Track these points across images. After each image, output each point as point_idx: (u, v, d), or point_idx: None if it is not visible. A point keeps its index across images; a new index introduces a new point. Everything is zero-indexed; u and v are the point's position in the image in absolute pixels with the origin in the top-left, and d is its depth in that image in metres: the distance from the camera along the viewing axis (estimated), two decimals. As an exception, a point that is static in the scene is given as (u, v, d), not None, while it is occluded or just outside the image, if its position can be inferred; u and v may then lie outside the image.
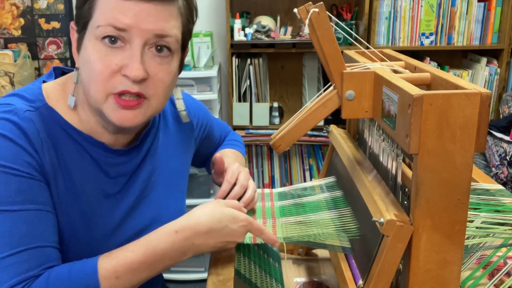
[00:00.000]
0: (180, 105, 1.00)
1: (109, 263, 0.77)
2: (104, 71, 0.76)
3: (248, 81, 2.51)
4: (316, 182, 1.03)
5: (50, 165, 0.80)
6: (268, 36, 2.48)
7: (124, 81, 0.77)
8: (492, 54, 2.55)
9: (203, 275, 2.52)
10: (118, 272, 0.76)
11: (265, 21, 2.50)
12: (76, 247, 0.84)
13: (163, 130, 0.99)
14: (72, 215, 0.84)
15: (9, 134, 0.77)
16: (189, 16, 0.85)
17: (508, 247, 0.75)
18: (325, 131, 1.11)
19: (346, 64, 0.77)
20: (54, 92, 0.87)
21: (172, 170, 1.00)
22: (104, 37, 0.76)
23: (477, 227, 0.74)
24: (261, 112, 2.54)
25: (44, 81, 0.89)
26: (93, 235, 0.86)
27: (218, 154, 1.05)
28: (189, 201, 1.10)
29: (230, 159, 1.11)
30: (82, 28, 0.80)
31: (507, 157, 2.11)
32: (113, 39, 0.76)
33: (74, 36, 0.83)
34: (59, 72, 0.94)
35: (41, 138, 0.80)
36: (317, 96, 0.81)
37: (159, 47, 0.79)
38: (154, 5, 0.76)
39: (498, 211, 0.77)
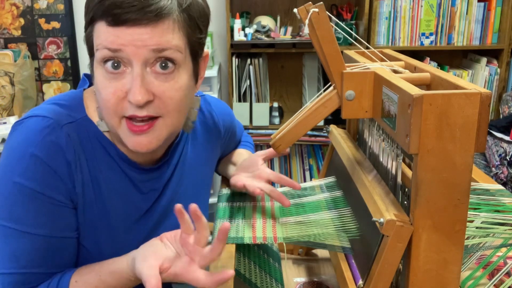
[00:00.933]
0: (193, 115, 0.94)
1: (76, 277, 0.80)
2: (111, 99, 0.75)
3: (248, 81, 2.51)
4: (316, 182, 1.03)
5: (81, 184, 0.81)
6: (268, 36, 2.48)
7: (131, 106, 0.75)
8: (492, 54, 2.55)
9: (203, 275, 2.52)
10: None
11: (265, 21, 2.50)
12: (99, 260, 0.84)
13: (192, 141, 0.99)
14: (100, 230, 0.84)
15: (45, 157, 0.77)
16: (192, 26, 0.78)
17: (508, 247, 0.75)
18: (325, 131, 1.11)
19: (346, 64, 0.77)
20: (92, 102, 0.85)
21: (198, 181, 1.00)
22: (105, 61, 0.74)
23: (477, 227, 0.74)
24: (261, 112, 2.54)
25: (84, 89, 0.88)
26: (117, 251, 0.84)
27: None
28: None
29: (242, 156, 1.12)
30: (91, 54, 0.79)
31: (507, 157, 2.11)
32: (115, 64, 0.74)
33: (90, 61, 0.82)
34: (90, 78, 0.91)
35: (76, 154, 0.80)
36: (317, 96, 0.81)
37: (163, 64, 0.74)
38: (145, 28, 0.72)
39: (498, 211, 0.77)
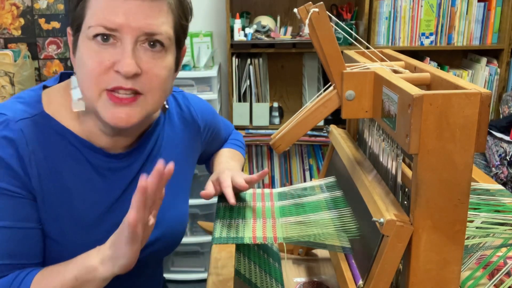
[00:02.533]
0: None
1: (41, 273, 0.78)
2: (96, 68, 0.76)
3: (248, 81, 2.51)
4: (316, 182, 1.03)
5: (37, 177, 0.81)
6: (268, 36, 2.48)
7: (116, 77, 0.76)
8: (492, 54, 2.55)
9: (203, 275, 2.52)
10: (40, 285, 0.77)
11: (265, 21, 2.50)
12: (66, 250, 0.84)
13: (168, 132, 0.99)
14: (65, 222, 0.84)
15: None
16: (181, 13, 0.84)
17: (508, 247, 0.75)
18: (325, 131, 1.11)
19: (346, 64, 0.77)
20: (57, 96, 0.87)
21: (176, 173, 0.99)
22: (96, 36, 0.76)
23: (477, 227, 0.74)
24: (261, 112, 2.54)
25: (45, 86, 0.89)
26: (86, 241, 0.84)
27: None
28: (189, 201, 1.10)
29: (225, 158, 1.11)
30: (76, 31, 0.80)
31: (507, 157, 2.11)
32: (105, 37, 0.76)
33: (70, 40, 0.84)
34: (66, 77, 0.93)
35: (30, 149, 0.80)
36: (317, 96, 0.81)
37: (152, 42, 0.78)
38: (143, 2, 0.76)
39: (498, 211, 0.77)
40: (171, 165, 0.70)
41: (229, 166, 1.06)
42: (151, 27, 0.77)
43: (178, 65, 0.89)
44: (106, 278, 0.75)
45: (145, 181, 0.67)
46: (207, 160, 1.21)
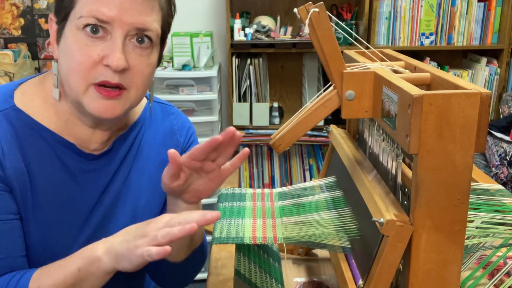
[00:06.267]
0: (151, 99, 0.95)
1: (39, 271, 0.77)
2: (85, 61, 0.76)
3: (248, 81, 2.52)
4: (316, 182, 1.03)
5: (12, 170, 0.80)
6: (268, 36, 2.48)
7: (104, 72, 0.77)
8: (492, 54, 2.55)
9: (203, 275, 2.52)
10: (40, 280, 0.76)
11: (265, 21, 2.50)
12: (29, 252, 0.83)
13: (148, 139, 0.96)
14: (30, 222, 0.83)
15: None
16: (168, 10, 0.85)
17: (508, 247, 0.75)
18: (325, 131, 1.11)
19: (346, 64, 0.77)
20: (30, 90, 0.86)
21: (153, 182, 0.95)
22: (85, 26, 0.76)
23: (477, 227, 0.74)
24: (261, 112, 2.54)
25: (22, 83, 0.88)
26: (47, 246, 0.84)
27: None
28: None
29: None
30: (63, 19, 0.79)
31: (507, 157, 2.11)
32: (94, 29, 0.76)
33: (53, 27, 0.83)
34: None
35: (2, 142, 0.79)
36: (317, 96, 0.81)
37: (140, 38, 0.79)
38: None
39: (498, 211, 0.77)
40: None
41: None
42: (144, 23, 0.78)
43: (160, 60, 0.90)
44: (109, 272, 0.74)
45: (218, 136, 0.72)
46: None
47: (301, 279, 1.01)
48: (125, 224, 0.81)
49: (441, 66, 2.62)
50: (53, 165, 0.84)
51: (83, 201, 0.88)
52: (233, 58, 2.47)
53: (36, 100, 0.85)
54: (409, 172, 0.76)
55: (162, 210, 0.98)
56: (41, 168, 0.83)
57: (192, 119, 2.45)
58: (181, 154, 0.88)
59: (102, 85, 0.78)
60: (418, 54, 2.62)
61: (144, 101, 1.00)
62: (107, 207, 0.90)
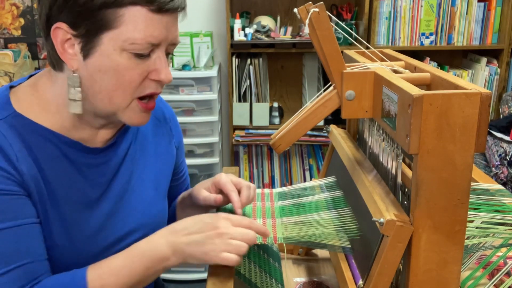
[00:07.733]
0: None
1: (95, 272, 0.79)
2: (136, 80, 0.80)
3: (248, 81, 2.52)
4: (316, 182, 1.03)
5: (28, 175, 0.80)
6: (268, 36, 2.48)
7: (151, 85, 0.82)
8: (492, 54, 2.55)
9: (203, 275, 2.52)
10: (103, 280, 0.78)
11: (265, 21, 2.50)
12: (56, 252, 0.83)
13: (142, 130, 0.98)
14: (51, 222, 0.83)
15: None
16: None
17: (508, 247, 0.75)
18: (325, 131, 1.11)
19: (346, 64, 0.77)
20: (25, 94, 0.85)
21: (154, 171, 0.99)
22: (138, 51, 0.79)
23: (477, 227, 0.74)
24: (261, 112, 2.54)
25: (12, 86, 0.87)
26: (72, 242, 0.85)
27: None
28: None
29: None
30: (90, 34, 0.77)
31: (507, 157, 2.11)
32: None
33: (65, 36, 0.78)
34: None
35: (15, 149, 0.79)
36: (317, 96, 0.81)
37: (167, 53, 0.84)
38: (175, 16, 0.81)
39: (498, 211, 0.77)
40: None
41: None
42: (177, 39, 0.84)
43: None
44: (173, 267, 0.81)
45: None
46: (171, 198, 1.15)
47: (301, 279, 1.01)
48: (135, 217, 0.92)
49: (441, 66, 2.62)
50: (62, 164, 0.85)
51: (94, 194, 0.89)
52: (233, 58, 2.47)
53: (33, 107, 0.84)
54: (409, 172, 0.76)
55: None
56: (52, 170, 0.84)
57: (192, 119, 2.45)
58: (171, 142, 1.04)
59: (144, 97, 0.83)
60: (418, 54, 2.62)
61: None
62: (115, 200, 0.92)
